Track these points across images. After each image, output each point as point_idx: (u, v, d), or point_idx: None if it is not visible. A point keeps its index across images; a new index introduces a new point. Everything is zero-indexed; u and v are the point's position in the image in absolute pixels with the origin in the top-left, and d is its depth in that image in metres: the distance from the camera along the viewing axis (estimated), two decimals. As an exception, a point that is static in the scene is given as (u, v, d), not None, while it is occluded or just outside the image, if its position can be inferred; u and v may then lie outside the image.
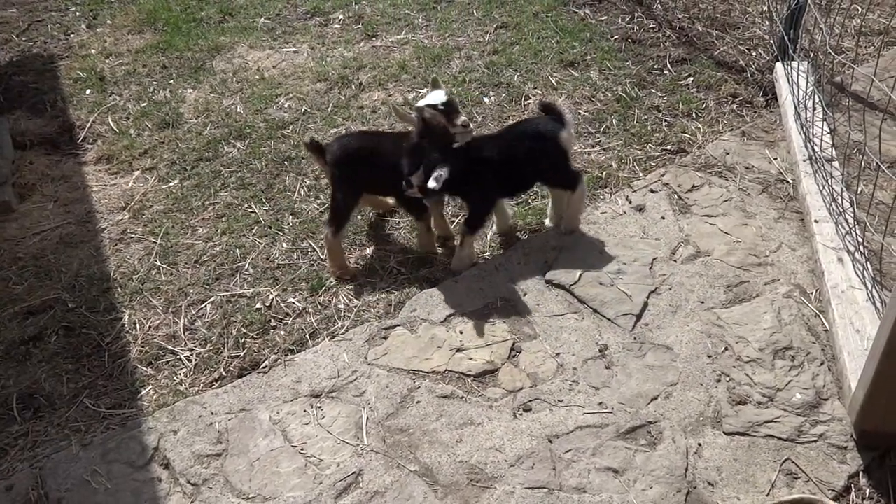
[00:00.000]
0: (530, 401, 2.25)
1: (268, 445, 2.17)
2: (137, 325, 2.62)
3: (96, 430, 2.26)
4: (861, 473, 2.02)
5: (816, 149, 2.96)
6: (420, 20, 4.54)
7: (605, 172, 3.16)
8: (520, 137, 2.70)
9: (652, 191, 3.03)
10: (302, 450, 2.15)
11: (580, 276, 2.64)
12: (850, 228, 2.55)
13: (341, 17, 4.64)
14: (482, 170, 2.62)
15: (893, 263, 2.58)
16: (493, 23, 4.41)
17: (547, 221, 2.89)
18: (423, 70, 3.97)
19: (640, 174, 3.16)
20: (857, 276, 2.43)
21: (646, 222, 2.88)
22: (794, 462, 2.04)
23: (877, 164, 2.48)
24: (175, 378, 2.43)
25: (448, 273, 2.73)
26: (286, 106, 3.77)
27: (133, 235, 3.02)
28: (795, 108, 3.24)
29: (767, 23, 4.08)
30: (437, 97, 2.62)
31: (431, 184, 2.42)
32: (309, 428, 2.21)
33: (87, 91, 3.95)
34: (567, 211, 2.80)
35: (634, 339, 2.42)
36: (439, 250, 2.85)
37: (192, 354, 2.50)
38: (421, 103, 2.64)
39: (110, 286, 2.78)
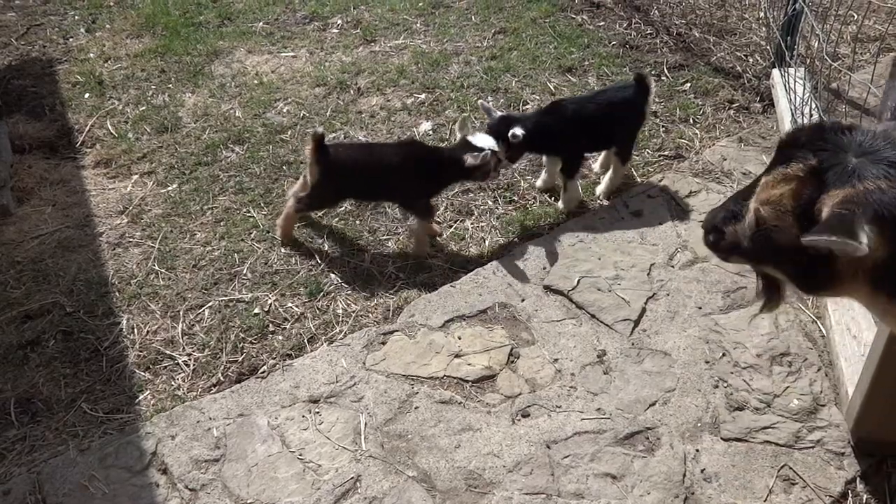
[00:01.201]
0: (528, 406, 2.25)
1: (266, 451, 2.17)
2: (135, 330, 2.61)
3: (94, 434, 2.26)
4: (858, 479, 2.02)
5: (813, 155, 2.96)
6: (418, 25, 4.55)
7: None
8: (610, 102, 2.99)
9: (650, 196, 3.04)
10: (300, 455, 2.15)
11: (578, 281, 2.65)
12: (847, 235, 2.56)
13: (340, 21, 4.65)
14: (573, 128, 2.94)
15: (890, 269, 2.58)
16: (492, 28, 4.42)
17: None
18: (421, 75, 3.98)
19: (638, 180, 3.17)
20: (854, 282, 2.44)
21: (643, 228, 2.89)
22: (791, 468, 2.05)
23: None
24: (173, 383, 2.43)
25: (446, 278, 2.74)
26: (285, 110, 3.78)
27: (131, 240, 3.02)
28: (792, 114, 3.25)
29: (764, 29, 4.10)
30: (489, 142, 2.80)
31: (518, 131, 2.76)
32: (307, 433, 2.21)
33: (86, 95, 3.96)
34: (611, 178, 3.09)
35: (632, 344, 2.43)
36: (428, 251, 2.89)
37: (190, 359, 2.50)
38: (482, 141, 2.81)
39: (108, 290, 2.77)
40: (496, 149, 2.78)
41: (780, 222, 1.34)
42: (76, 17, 4.82)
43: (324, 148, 2.73)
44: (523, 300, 2.61)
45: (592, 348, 2.42)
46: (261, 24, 4.64)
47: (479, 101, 3.25)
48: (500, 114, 2.97)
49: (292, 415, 2.27)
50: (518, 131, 2.76)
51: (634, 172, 3.21)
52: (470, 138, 2.81)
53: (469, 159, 2.72)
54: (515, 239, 2.91)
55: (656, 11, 4.50)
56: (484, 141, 2.79)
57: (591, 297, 2.59)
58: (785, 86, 3.45)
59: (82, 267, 2.88)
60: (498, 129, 2.84)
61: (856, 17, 4.18)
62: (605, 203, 3.04)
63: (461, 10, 4.69)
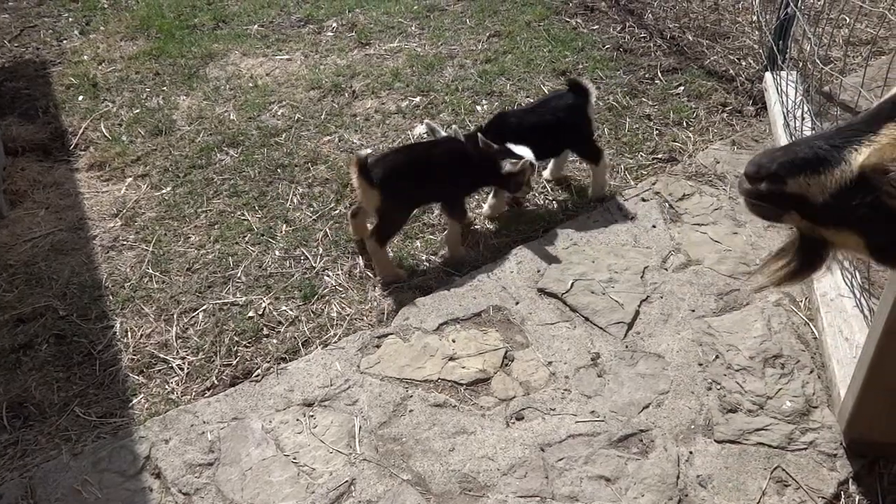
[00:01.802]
0: (523, 409, 2.26)
1: (260, 454, 2.16)
2: (129, 334, 2.61)
3: (87, 438, 2.25)
4: (851, 481, 2.03)
5: (806, 158, 2.98)
6: (413, 28, 4.56)
7: (596, 181, 3.18)
8: (551, 111, 3.00)
9: (643, 199, 3.05)
10: (294, 459, 2.15)
11: (572, 284, 2.66)
12: (839, 237, 2.57)
13: (335, 24, 4.66)
14: (516, 140, 2.87)
15: (881, 272, 2.60)
16: (486, 31, 4.43)
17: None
18: (416, 78, 3.99)
19: (632, 183, 3.18)
20: (846, 284, 2.45)
21: (637, 231, 2.90)
22: (784, 470, 2.06)
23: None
24: (167, 387, 2.42)
25: (440, 281, 2.74)
26: (279, 113, 3.78)
27: (125, 243, 3.02)
28: (784, 117, 3.27)
29: (757, 33, 4.13)
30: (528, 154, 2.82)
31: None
32: (301, 437, 2.21)
33: (80, 97, 3.95)
34: (594, 181, 3.12)
35: (626, 347, 2.44)
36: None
37: (183, 363, 2.50)
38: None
39: (102, 294, 2.77)
40: (534, 161, 2.79)
41: None
42: (70, 20, 4.82)
43: (367, 170, 2.60)
44: (517, 303, 2.61)
45: (586, 351, 2.43)
46: (255, 26, 4.65)
47: (426, 121, 3.29)
48: (443, 134, 2.99)
49: (286, 418, 2.26)
50: None
51: (628, 175, 3.22)
52: (509, 146, 2.81)
53: (507, 165, 2.72)
54: (509, 242, 2.92)
55: (650, 15, 4.52)
56: (523, 151, 2.80)
57: (585, 299, 2.60)
58: (777, 89, 3.47)
59: (75, 270, 2.88)
60: None
61: (847, 20, 4.21)
62: (599, 205, 3.05)
63: (456, 14, 4.70)
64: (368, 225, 2.86)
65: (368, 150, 3.41)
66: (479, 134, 2.83)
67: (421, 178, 2.73)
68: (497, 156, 2.77)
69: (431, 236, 2.97)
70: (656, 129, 3.51)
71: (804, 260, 1.37)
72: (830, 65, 3.86)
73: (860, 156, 1.19)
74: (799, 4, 3.44)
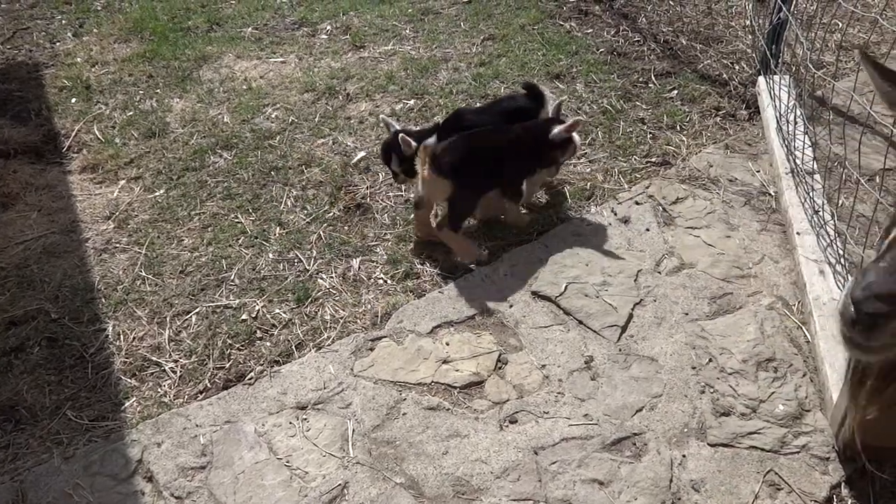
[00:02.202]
0: (516, 412, 2.26)
1: (253, 458, 2.16)
2: (121, 336, 2.60)
3: (79, 442, 2.24)
4: (843, 484, 2.04)
5: (798, 162, 3.00)
6: (407, 31, 4.56)
7: (590, 184, 3.19)
8: (504, 112, 3.01)
9: (637, 203, 3.05)
10: (287, 462, 2.14)
11: (566, 287, 2.66)
12: (832, 241, 2.59)
13: (329, 27, 4.66)
14: None
15: (874, 276, 2.61)
16: (480, 35, 4.44)
17: None
18: (410, 81, 3.99)
19: (626, 186, 3.19)
20: (839, 288, 2.46)
21: (631, 234, 2.90)
22: (777, 473, 2.06)
23: (857, 177, 2.52)
24: (159, 390, 2.41)
25: (434, 284, 2.74)
26: (273, 116, 3.77)
27: (118, 245, 3.01)
28: (777, 121, 3.29)
29: (750, 37, 4.14)
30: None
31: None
32: (294, 440, 2.20)
33: (73, 100, 3.93)
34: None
35: (619, 350, 2.44)
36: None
37: (176, 366, 2.49)
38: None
39: (94, 297, 2.76)
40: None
41: None
42: (63, 22, 4.80)
43: (437, 161, 2.63)
44: (511, 306, 2.61)
45: (580, 354, 2.43)
46: (250, 29, 4.64)
47: (381, 116, 3.32)
48: (397, 127, 2.99)
49: (280, 421, 2.26)
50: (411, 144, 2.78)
51: (622, 179, 3.23)
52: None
53: (556, 129, 2.79)
54: (503, 245, 2.92)
55: (644, 19, 4.53)
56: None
57: (579, 302, 2.60)
58: (770, 93, 3.48)
59: (68, 273, 2.86)
60: (392, 143, 2.89)
61: (840, 25, 4.23)
62: (594, 208, 3.05)
63: (450, 17, 4.70)
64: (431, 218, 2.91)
65: (363, 153, 3.42)
66: (401, 133, 2.86)
67: (488, 163, 2.76)
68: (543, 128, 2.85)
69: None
70: (650, 133, 3.52)
71: None
72: (823, 69, 3.88)
73: None
74: (791, 9, 3.46)
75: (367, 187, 3.23)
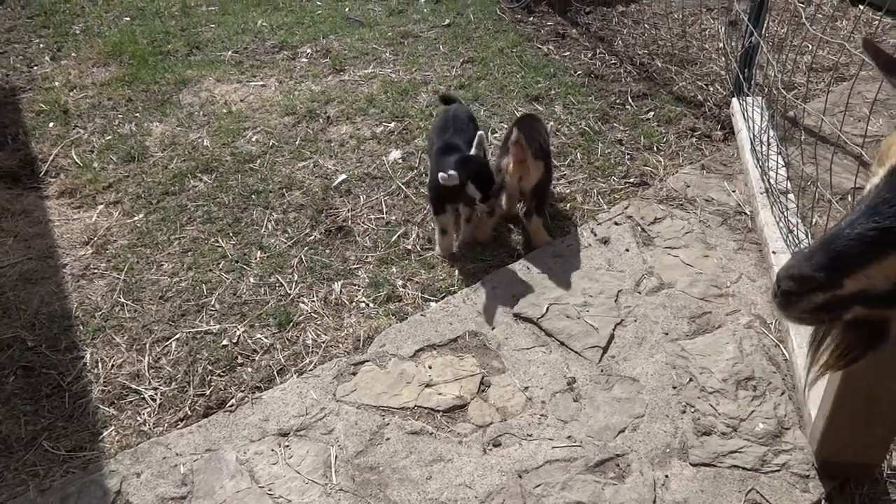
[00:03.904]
0: (500, 435, 2.25)
1: (234, 487, 2.13)
2: (100, 364, 2.56)
3: (55, 474, 2.20)
4: (823, 501, 2.06)
5: (772, 182, 3.06)
6: (387, 55, 4.60)
7: (570, 205, 3.22)
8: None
9: (616, 223, 3.09)
10: (269, 490, 2.12)
11: (547, 308, 2.68)
12: (807, 260, 2.62)
13: (309, 51, 4.68)
14: None
15: (848, 293, 2.66)
16: (460, 58, 4.49)
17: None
18: (390, 104, 4.02)
19: (605, 207, 3.22)
20: (814, 306, 2.50)
21: (611, 255, 2.93)
22: (758, 492, 2.08)
23: (828, 196, 2.57)
24: (139, 418, 2.38)
25: (416, 307, 2.74)
26: (254, 139, 3.77)
27: (96, 271, 2.97)
28: (751, 142, 3.35)
29: (723, 59, 4.23)
30: None
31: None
32: (276, 468, 2.18)
33: (51, 124, 3.91)
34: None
35: (601, 371, 2.45)
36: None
37: (156, 393, 2.46)
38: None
39: (72, 324, 2.72)
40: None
41: None
42: (41, 45, 4.78)
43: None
44: (493, 328, 2.62)
45: (562, 375, 2.44)
46: (230, 52, 4.65)
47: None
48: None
49: (261, 449, 2.24)
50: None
51: (601, 200, 3.27)
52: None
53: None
54: (485, 267, 2.93)
55: (620, 42, 4.61)
56: None
57: (561, 324, 2.62)
58: (744, 114, 3.55)
59: (45, 300, 2.83)
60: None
61: (810, 47, 4.34)
62: (574, 229, 3.08)
63: (430, 40, 4.75)
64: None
65: (343, 176, 3.43)
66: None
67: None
68: None
69: (406, 261, 2.97)
70: (628, 154, 3.57)
71: (867, 341, 1.27)
72: (794, 90, 3.97)
73: None
74: (763, 32, 3.54)
75: (349, 210, 3.24)
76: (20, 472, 2.21)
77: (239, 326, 2.69)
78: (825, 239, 1.16)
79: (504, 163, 2.91)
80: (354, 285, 2.86)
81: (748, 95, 3.68)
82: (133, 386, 2.48)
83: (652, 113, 3.90)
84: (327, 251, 3.03)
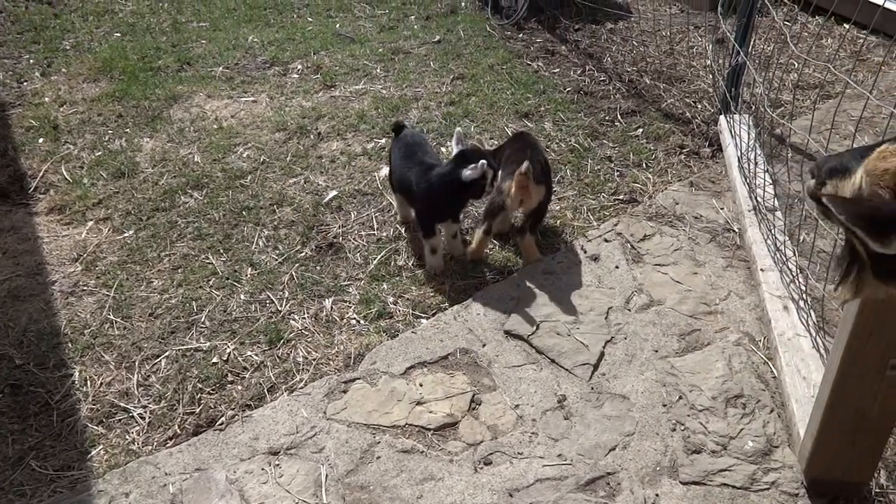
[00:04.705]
0: (490, 454, 2.25)
1: (224, 506, 2.12)
2: (88, 382, 2.55)
3: (43, 493, 2.18)
4: (812, 519, 2.07)
5: (760, 199, 3.09)
6: (378, 71, 4.62)
7: (560, 222, 3.24)
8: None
9: (606, 240, 3.11)
10: (259, 510, 2.11)
11: (538, 326, 2.68)
12: (794, 277, 2.66)
13: (300, 67, 4.70)
14: None
15: (836, 311, 2.68)
16: (450, 74, 4.52)
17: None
18: (381, 120, 4.03)
19: (595, 223, 3.24)
20: (802, 323, 2.53)
21: (601, 272, 2.95)
22: (748, 510, 2.08)
23: (815, 214, 2.60)
24: (127, 437, 2.36)
25: (407, 324, 2.75)
26: (244, 155, 3.78)
27: (85, 288, 2.96)
28: (739, 159, 3.39)
29: (711, 77, 4.28)
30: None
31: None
32: (267, 487, 2.17)
33: (40, 140, 3.90)
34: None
35: (592, 389, 2.46)
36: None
37: (145, 412, 2.44)
38: None
39: (60, 341, 2.70)
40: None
41: (877, 198, 1.24)
42: (31, 61, 4.77)
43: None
44: (484, 345, 2.63)
45: (553, 393, 2.44)
46: (220, 68, 4.66)
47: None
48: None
49: (251, 468, 2.22)
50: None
51: (591, 216, 3.29)
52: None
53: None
54: (476, 284, 2.94)
55: (609, 59, 4.66)
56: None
57: (551, 341, 2.63)
58: (731, 132, 3.59)
59: (33, 317, 2.81)
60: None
61: (796, 65, 4.40)
62: (564, 246, 3.10)
63: (420, 57, 4.78)
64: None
65: (334, 192, 3.43)
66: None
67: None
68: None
69: (397, 278, 2.98)
70: (617, 171, 3.60)
71: (846, 270, 1.40)
72: (781, 108, 4.02)
73: (862, 165, 1.31)
74: (749, 50, 3.59)
75: (340, 226, 3.24)
76: (7, 492, 2.18)
77: (229, 344, 2.68)
78: (846, 151, 1.39)
79: (506, 186, 2.90)
80: (345, 302, 2.86)
81: (735, 113, 3.72)
82: (122, 404, 2.47)
83: (641, 130, 3.93)
84: (318, 268, 3.03)
